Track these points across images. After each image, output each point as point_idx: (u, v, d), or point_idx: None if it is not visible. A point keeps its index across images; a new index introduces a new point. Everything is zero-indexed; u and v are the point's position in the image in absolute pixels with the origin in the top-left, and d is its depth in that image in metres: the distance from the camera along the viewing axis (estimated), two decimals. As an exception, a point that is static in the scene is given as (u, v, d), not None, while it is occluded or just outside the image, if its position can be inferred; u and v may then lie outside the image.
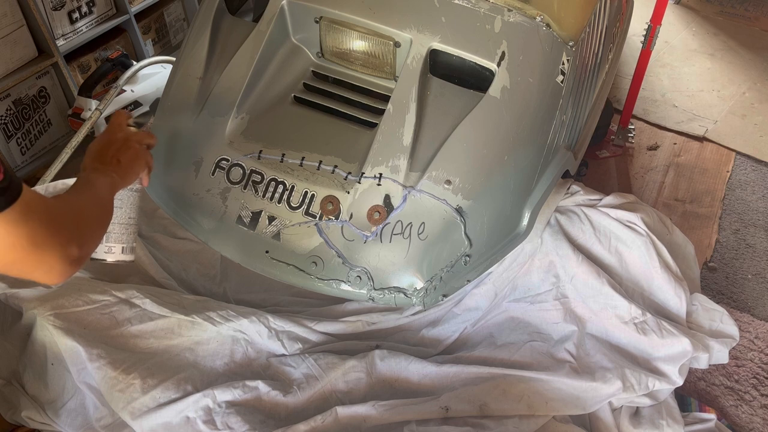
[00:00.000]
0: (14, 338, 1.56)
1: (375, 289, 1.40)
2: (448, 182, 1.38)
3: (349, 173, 1.43)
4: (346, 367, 1.55)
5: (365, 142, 1.45)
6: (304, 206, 1.42)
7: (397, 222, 1.39)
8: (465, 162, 1.40)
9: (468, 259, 1.39)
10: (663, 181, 2.47)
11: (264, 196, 1.44)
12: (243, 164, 1.46)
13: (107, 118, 2.18)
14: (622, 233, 1.74)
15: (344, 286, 1.41)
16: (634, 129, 2.66)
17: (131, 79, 2.28)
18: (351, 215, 1.40)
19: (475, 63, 1.47)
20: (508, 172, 1.42)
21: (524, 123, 1.44)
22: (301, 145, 1.47)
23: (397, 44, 1.50)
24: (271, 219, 1.44)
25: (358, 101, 1.56)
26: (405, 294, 1.40)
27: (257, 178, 1.45)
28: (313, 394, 1.52)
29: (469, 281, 1.43)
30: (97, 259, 1.21)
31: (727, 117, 2.79)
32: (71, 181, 1.83)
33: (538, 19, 1.48)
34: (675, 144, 2.65)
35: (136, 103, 2.35)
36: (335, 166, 1.43)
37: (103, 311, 1.53)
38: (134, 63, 2.30)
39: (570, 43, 1.51)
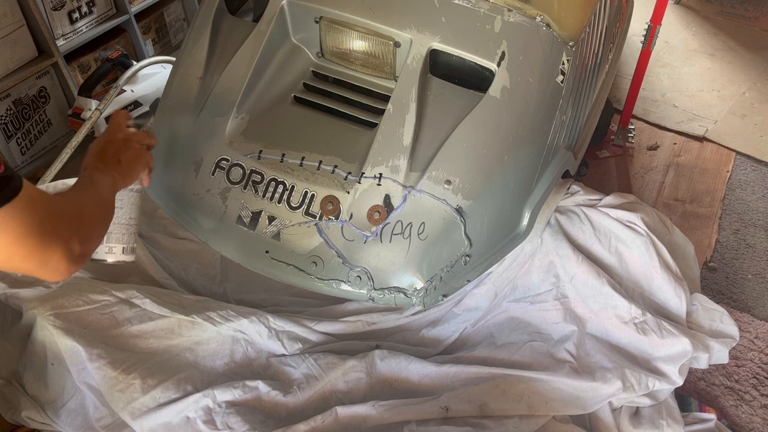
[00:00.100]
0: (14, 338, 1.56)
1: (375, 289, 1.40)
2: (448, 182, 1.38)
3: (349, 173, 1.42)
4: (346, 367, 1.55)
5: (365, 142, 1.45)
6: (304, 206, 1.42)
7: (397, 222, 1.39)
8: (465, 162, 1.40)
9: (468, 259, 1.39)
10: (663, 181, 2.47)
11: (264, 196, 1.44)
12: (243, 164, 1.46)
13: (107, 118, 2.18)
14: (622, 233, 1.74)
15: (344, 286, 1.41)
16: (634, 129, 2.66)
17: (131, 79, 2.28)
18: (351, 215, 1.40)
19: (475, 63, 1.47)
20: (508, 172, 1.42)
21: (524, 123, 1.44)
22: (301, 145, 1.47)
23: (397, 44, 1.50)
24: (271, 219, 1.44)
25: (358, 101, 1.56)
26: (405, 294, 1.40)
27: (257, 178, 1.45)
28: (313, 394, 1.52)
29: (469, 281, 1.43)
30: (97, 260, 1.21)
31: (727, 117, 2.78)
32: (71, 181, 1.83)
33: (538, 19, 1.48)
34: (675, 144, 2.65)
35: (136, 103, 2.35)
36: (335, 166, 1.43)
37: (103, 311, 1.53)
38: (134, 63, 2.30)
39: (570, 43, 1.51)
